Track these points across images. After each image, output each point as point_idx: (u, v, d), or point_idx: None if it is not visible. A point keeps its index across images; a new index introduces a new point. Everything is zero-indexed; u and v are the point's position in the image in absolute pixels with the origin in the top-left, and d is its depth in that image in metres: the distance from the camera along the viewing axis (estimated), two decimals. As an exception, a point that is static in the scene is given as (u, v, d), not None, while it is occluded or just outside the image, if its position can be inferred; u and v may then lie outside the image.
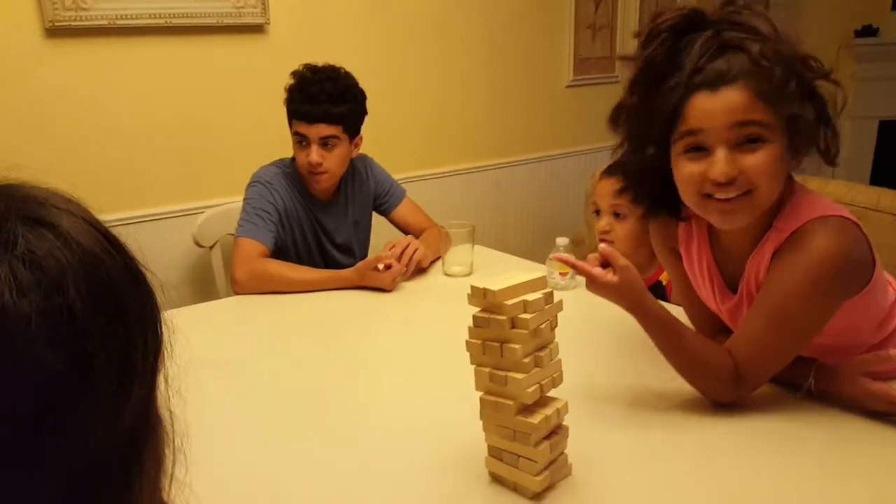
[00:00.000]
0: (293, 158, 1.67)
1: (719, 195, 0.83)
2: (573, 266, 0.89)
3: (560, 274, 1.44)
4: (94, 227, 0.38)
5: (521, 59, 2.62)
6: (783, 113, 0.80)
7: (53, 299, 0.33)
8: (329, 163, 1.56)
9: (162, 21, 1.82)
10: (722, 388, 0.89)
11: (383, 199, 1.78)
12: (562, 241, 1.47)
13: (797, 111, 0.81)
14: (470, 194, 2.58)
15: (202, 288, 1.95)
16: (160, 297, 0.42)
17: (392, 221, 1.80)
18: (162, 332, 0.41)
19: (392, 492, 0.78)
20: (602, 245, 0.88)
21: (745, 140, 0.81)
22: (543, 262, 1.48)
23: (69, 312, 0.33)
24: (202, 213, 1.83)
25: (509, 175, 2.69)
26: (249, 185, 1.61)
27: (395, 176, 1.85)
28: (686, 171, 0.84)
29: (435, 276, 1.57)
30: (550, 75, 2.71)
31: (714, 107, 0.80)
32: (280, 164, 1.66)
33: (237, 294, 1.49)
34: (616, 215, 1.39)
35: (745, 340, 0.87)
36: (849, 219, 0.85)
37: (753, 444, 0.84)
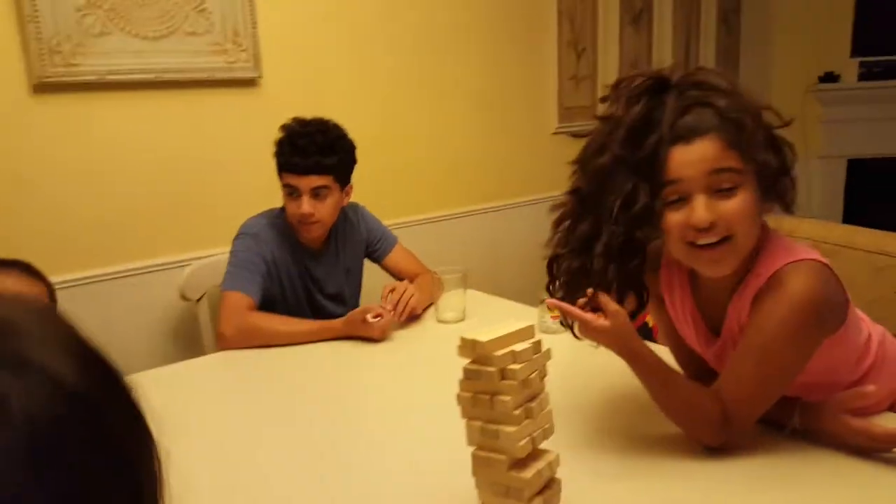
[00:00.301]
0: (282, 209, 1.68)
1: (701, 241, 0.87)
2: (564, 311, 0.91)
3: (552, 318, 1.46)
4: (79, 351, 0.32)
5: (510, 108, 2.70)
6: (753, 160, 0.86)
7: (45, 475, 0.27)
8: (321, 212, 1.58)
9: (153, 76, 1.83)
10: (712, 431, 0.90)
11: (375, 246, 1.79)
12: (550, 286, 1.49)
13: (764, 158, 0.87)
14: (463, 239, 2.61)
15: (189, 342, 1.93)
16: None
17: (385, 268, 1.81)
18: (160, 467, 0.36)
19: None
20: (594, 292, 0.90)
21: (722, 188, 0.86)
22: (536, 306, 1.49)
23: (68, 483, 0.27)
24: (189, 265, 1.83)
25: (501, 219, 2.74)
26: (237, 238, 1.62)
27: (388, 222, 1.86)
28: (671, 220, 0.88)
29: (428, 322, 1.58)
30: (537, 123, 2.80)
31: (690, 157, 0.86)
32: (268, 214, 1.67)
33: (224, 349, 1.47)
34: None
35: (731, 383, 0.90)
36: (821, 262, 0.89)
37: (749, 486, 0.85)
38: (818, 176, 3.68)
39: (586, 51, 2.84)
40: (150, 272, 1.94)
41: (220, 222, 1.92)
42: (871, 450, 0.88)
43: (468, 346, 0.74)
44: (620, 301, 0.93)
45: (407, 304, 1.51)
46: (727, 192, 0.86)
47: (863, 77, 3.60)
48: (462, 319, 1.57)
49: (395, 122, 2.37)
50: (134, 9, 1.78)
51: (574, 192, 0.96)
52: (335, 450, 1.03)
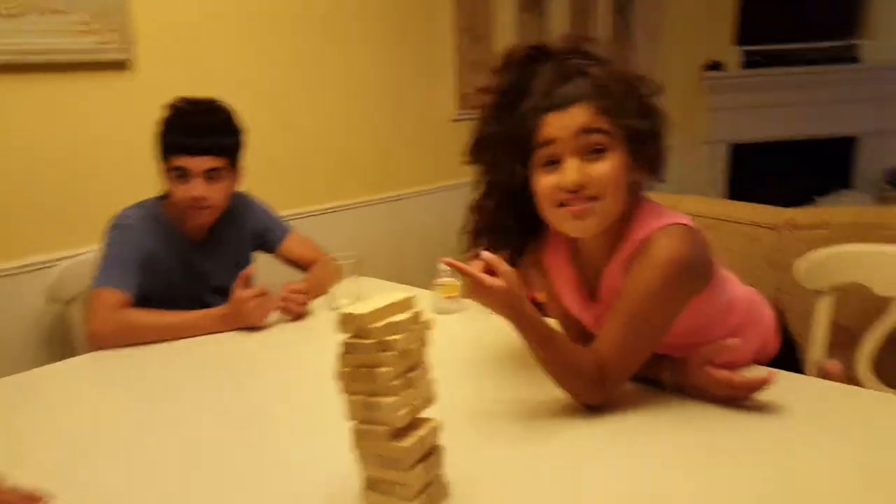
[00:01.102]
0: (160, 199, 1.57)
1: (571, 203, 0.90)
2: (459, 269, 0.88)
3: (446, 298, 1.44)
4: None
5: (408, 96, 2.66)
6: (623, 126, 0.89)
7: None
8: (214, 196, 1.49)
9: (8, 58, 1.67)
10: (590, 390, 0.93)
11: (266, 236, 1.70)
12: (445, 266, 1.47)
13: (635, 125, 0.90)
14: (363, 230, 2.55)
15: (61, 349, 1.76)
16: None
17: (279, 258, 1.72)
18: None
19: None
20: (485, 252, 0.89)
21: (592, 150, 0.89)
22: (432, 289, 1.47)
23: None
24: (58, 264, 1.67)
25: (402, 208, 2.71)
26: (109, 230, 1.49)
27: (281, 214, 1.78)
28: (542, 182, 0.92)
29: (321, 310, 1.52)
30: (437, 110, 2.77)
31: (562, 121, 0.89)
32: (145, 205, 1.55)
33: (97, 349, 1.35)
34: None
35: (605, 343, 0.92)
36: (689, 226, 0.93)
37: (629, 441, 0.87)
38: (704, 160, 3.90)
39: (483, 37, 2.85)
40: (12, 274, 1.76)
41: (91, 217, 1.76)
42: (733, 398, 0.93)
43: (347, 320, 0.70)
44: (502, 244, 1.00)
45: (296, 302, 1.46)
46: (597, 155, 0.89)
47: (746, 66, 3.82)
48: (356, 305, 1.52)
49: (285, 108, 2.28)
50: (-17, -17, 1.61)
51: (469, 162, 1.01)
52: (214, 445, 0.96)
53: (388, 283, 1.71)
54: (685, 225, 0.93)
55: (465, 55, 2.79)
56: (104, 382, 1.27)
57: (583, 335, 1.07)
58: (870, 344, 1.31)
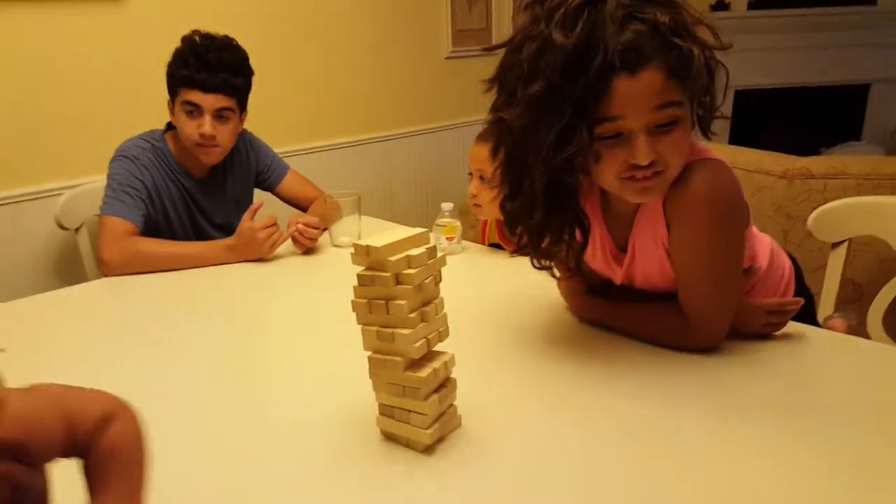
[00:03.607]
0: (164, 132, 1.56)
1: (638, 175, 0.84)
2: None
3: (447, 238, 1.46)
4: None
5: (401, 33, 2.60)
6: (692, 88, 0.82)
7: None
8: (222, 136, 1.49)
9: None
10: (700, 340, 0.94)
11: (266, 175, 1.71)
12: (447, 205, 1.49)
13: (702, 87, 0.82)
14: (357, 167, 2.55)
15: (70, 274, 1.80)
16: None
17: (279, 196, 1.74)
18: None
19: (285, 454, 0.76)
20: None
21: (662, 123, 0.81)
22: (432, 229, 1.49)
23: None
24: (63, 193, 1.68)
25: (396, 147, 2.68)
26: (113, 160, 1.49)
27: (278, 150, 1.78)
28: (607, 156, 0.83)
29: (322, 247, 1.54)
30: (430, 48, 2.71)
31: (633, 91, 0.78)
32: (148, 136, 1.55)
33: (106, 276, 1.38)
34: (482, 179, 1.38)
35: (691, 304, 0.93)
36: (719, 159, 0.90)
37: (641, 379, 0.89)
38: (707, 105, 3.82)
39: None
40: (21, 201, 1.78)
41: (96, 147, 1.76)
42: (767, 328, 0.96)
43: (362, 252, 0.72)
44: (560, 240, 0.91)
45: (309, 237, 1.48)
46: (667, 128, 0.82)
47: (752, 6, 3.69)
48: (358, 243, 1.54)
49: (281, 47, 2.24)
50: None
51: (498, 121, 0.86)
52: (228, 372, 0.99)
53: (387, 223, 1.73)
54: (717, 159, 0.89)
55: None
56: (113, 308, 1.29)
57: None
58: (883, 300, 1.28)
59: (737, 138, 3.83)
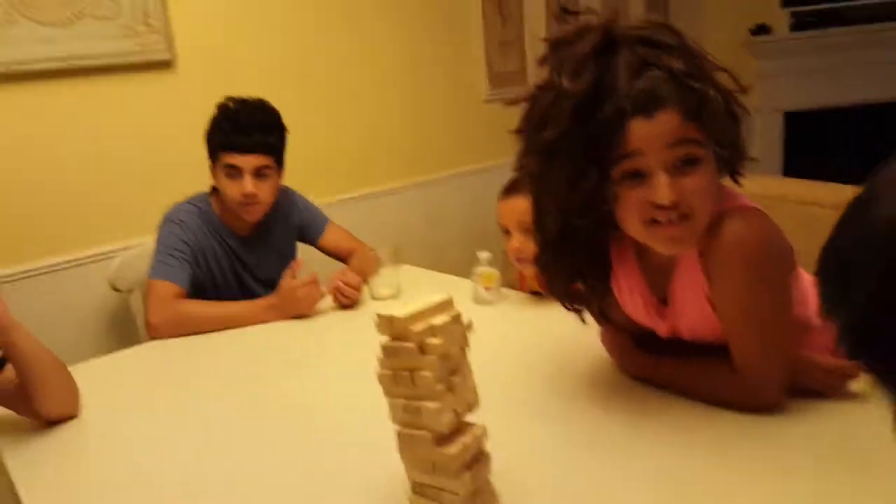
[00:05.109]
0: (208, 194, 1.62)
1: (662, 218, 0.82)
2: None
3: (485, 287, 1.44)
4: None
5: (438, 78, 2.63)
6: (712, 130, 0.81)
7: None
8: (263, 193, 1.54)
9: (63, 64, 1.74)
10: (755, 399, 0.89)
11: (307, 228, 1.75)
12: (484, 254, 1.47)
13: (723, 128, 0.82)
14: (398, 215, 2.57)
15: (124, 333, 1.86)
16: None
17: (321, 249, 1.77)
18: None
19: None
20: None
21: (682, 161, 0.80)
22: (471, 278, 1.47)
23: None
24: (117, 255, 1.76)
25: (437, 191, 2.70)
26: (162, 225, 1.55)
27: (317, 202, 1.82)
28: (628, 197, 0.82)
29: (362, 300, 1.54)
30: (468, 91, 2.74)
31: (649, 130, 0.79)
32: (194, 200, 1.61)
33: (154, 339, 1.42)
34: (526, 231, 1.34)
35: (742, 357, 0.88)
36: (756, 207, 0.87)
37: (684, 451, 0.85)
38: (755, 130, 3.73)
39: (512, 16, 2.78)
40: (79, 265, 1.87)
41: (147, 210, 1.84)
42: (825, 386, 0.90)
43: (385, 323, 0.71)
44: (586, 284, 0.93)
45: (347, 296, 1.49)
46: (688, 167, 0.80)
47: (795, 28, 3.61)
48: (396, 295, 1.54)
49: (318, 98, 2.30)
50: (39, -5, 1.68)
51: (520, 167, 0.89)
52: (268, 432, 1.00)
53: (426, 272, 1.73)
54: (753, 208, 0.87)
55: (494, 34, 2.73)
56: (160, 372, 1.32)
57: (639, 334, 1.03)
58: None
59: (790, 162, 3.71)
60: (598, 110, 0.79)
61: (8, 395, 1.06)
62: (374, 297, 1.54)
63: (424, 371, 0.69)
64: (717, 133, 0.82)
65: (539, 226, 0.91)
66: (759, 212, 0.87)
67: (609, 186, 0.82)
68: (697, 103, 0.79)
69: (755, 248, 0.84)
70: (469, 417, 0.73)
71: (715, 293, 0.89)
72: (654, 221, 0.83)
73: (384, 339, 0.72)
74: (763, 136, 3.74)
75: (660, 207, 0.81)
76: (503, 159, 2.87)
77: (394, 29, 2.46)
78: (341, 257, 1.74)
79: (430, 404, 0.69)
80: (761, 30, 3.61)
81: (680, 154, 0.80)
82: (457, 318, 0.73)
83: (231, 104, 1.53)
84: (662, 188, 0.80)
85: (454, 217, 2.75)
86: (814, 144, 3.74)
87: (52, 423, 1.07)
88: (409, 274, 1.63)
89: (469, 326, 0.75)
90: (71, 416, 1.09)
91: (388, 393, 0.73)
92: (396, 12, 2.46)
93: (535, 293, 1.47)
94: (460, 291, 1.46)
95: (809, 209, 1.82)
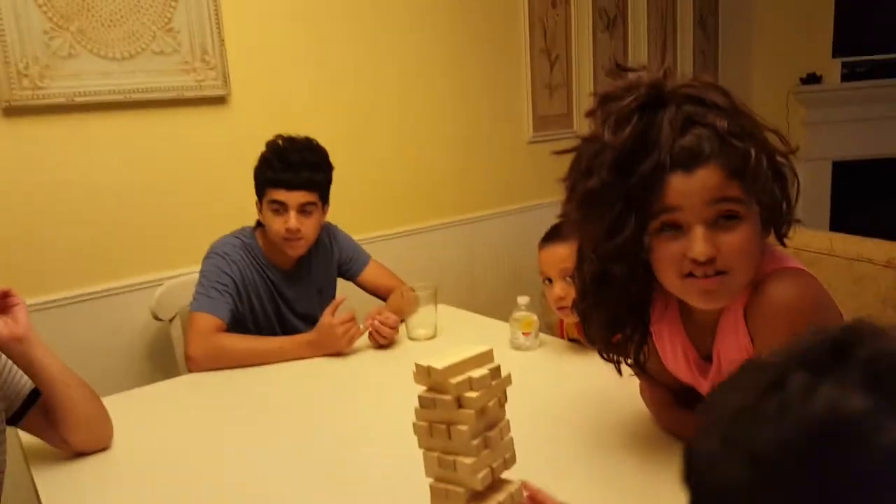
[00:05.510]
0: (253, 228, 1.66)
1: (698, 273, 0.81)
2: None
3: (523, 333, 1.43)
4: None
5: (483, 118, 2.67)
6: (754, 189, 0.80)
7: None
8: (306, 229, 1.57)
9: (122, 97, 1.81)
10: None
11: (348, 265, 1.77)
12: (523, 299, 1.46)
13: (768, 189, 0.81)
14: (439, 252, 2.58)
15: (164, 362, 1.90)
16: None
17: (359, 285, 1.78)
18: None
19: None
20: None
21: (722, 217, 0.80)
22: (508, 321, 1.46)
23: None
24: (161, 285, 1.80)
25: (478, 230, 2.71)
26: (206, 257, 1.59)
27: (359, 237, 1.84)
28: (665, 250, 0.82)
29: (400, 340, 1.55)
30: (512, 133, 2.77)
31: (689, 186, 0.79)
32: (240, 234, 1.64)
33: (193, 371, 1.44)
34: (569, 278, 1.34)
35: None
36: (803, 269, 0.86)
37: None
38: (803, 179, 3.64)
39: (559, 58, 2.83)
40: (123, 293, 1.91)
41: (192, 241, 1.89)
42: None
43: (423, 373, 0.71)
44: (623, 334, 0.92)
45: (384, 336, 1.50)
46: (728, 224, 0.80)
47: (846, 78, 3.58)
48: (433, 336, 1.54)
49: (365, 135, 2.34)
50: (101, 30, 1.76)
51: (564, 214, 0.91)
52: (302, 473, 1.00)
53: (464, 313, 1.72)
54: (800, 269, 0.85)
55: (540, 76, 2.78)
56: (196, 405, 1.33)
57: (674, 396, 1.01)
58: None
59: (839, 212, 3.63)
60: (639, 164, 0.80)
61: (39, 423, 1.06)
62: (410, 338, 1.54)
63: (461, 425, 0.69)
64: (760, 192, 0.81)
65: (579, 271, 0.92)
66: (806, 273, 0.86)
67: (646, 237, 0.83)
68: (740, 161, 0.79)
69: (801, 308, 0.82)
70: (505, 474, 0.72)
71: (758, 352, 0.86)
72: (690, 275, 0.82)
73: (421, 388, 0.72)
74: (811, 184, 3.68)
75: (696, 262, 0.80)
76: (544, 199, 2.89)
77: (443, 69, 2.51)
78: (380, 295, 1.75)
79: (466, 459, 0.68)
80: (812, 79, 3.59)
81: (720, 210, 0.80)
82: (496, 371, 0.72)
83: (280, 142, 1.57)
84: (699, 243, 0.80)
85: (494, 256, 2.75)
86: (862, 194, 3.67)
87: (80, 453, 1.07)
88: (447, 314, 1.63)
89: (508, 380, 0.74)
90: (102, 448, 1.09)
91: (424, 444, 0.72)
92: (446, 52, 2.51)
93: (573, 340, 1.45)
94: (498, 336, 1.46)
95: (858, 266, 1.77)
